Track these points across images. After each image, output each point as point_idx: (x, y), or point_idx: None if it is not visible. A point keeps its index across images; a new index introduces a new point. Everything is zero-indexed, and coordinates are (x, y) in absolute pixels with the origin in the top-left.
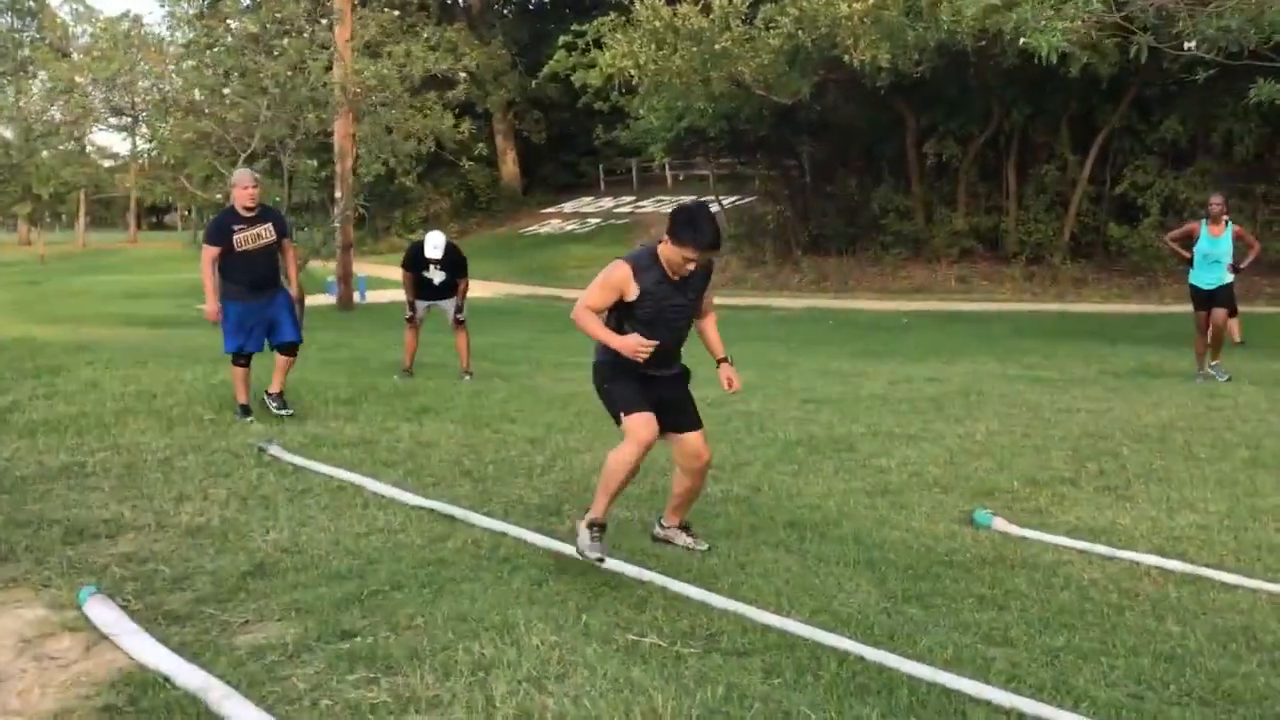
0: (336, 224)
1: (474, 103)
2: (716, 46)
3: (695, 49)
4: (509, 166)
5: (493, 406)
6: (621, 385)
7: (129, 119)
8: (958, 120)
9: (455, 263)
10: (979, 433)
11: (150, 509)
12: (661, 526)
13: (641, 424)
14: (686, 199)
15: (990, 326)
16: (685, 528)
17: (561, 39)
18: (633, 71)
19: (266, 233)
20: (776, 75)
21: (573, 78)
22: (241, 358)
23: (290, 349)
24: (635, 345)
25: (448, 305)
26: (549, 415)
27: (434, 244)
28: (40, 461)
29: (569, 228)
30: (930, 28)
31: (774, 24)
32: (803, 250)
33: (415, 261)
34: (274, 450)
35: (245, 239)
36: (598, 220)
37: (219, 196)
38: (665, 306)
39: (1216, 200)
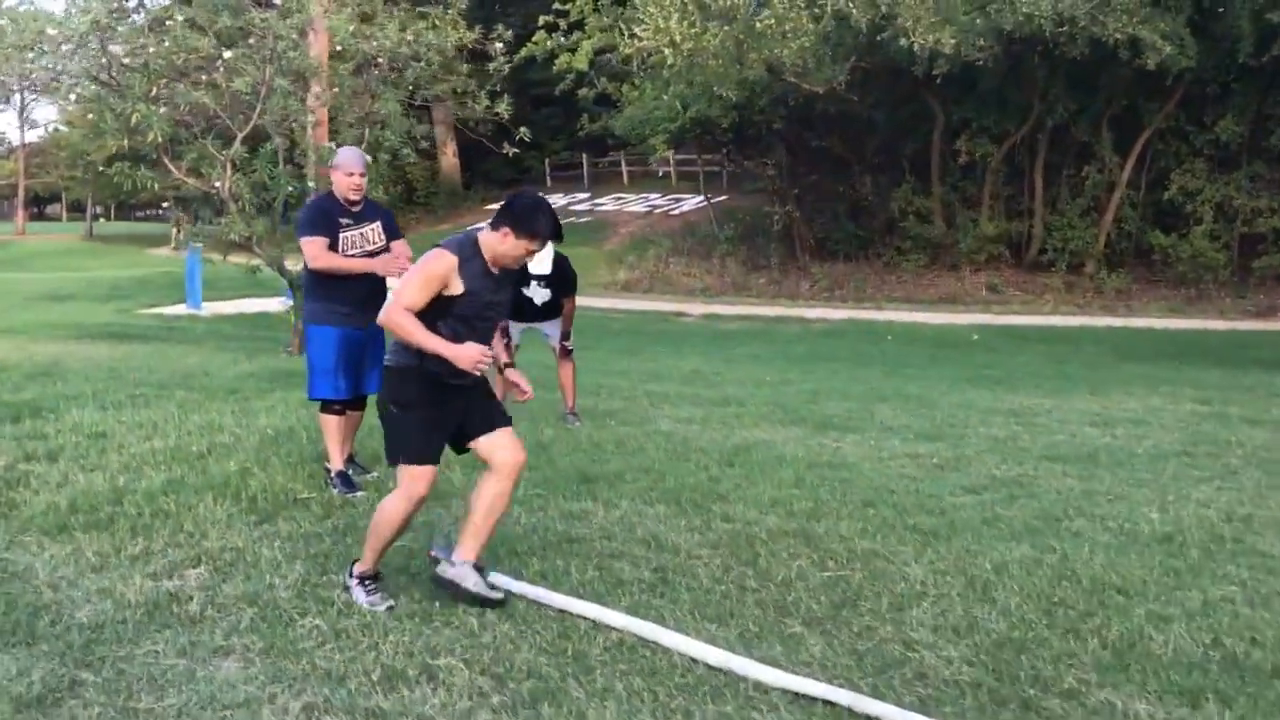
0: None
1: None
2: (757, 25)
3: (727, 28)
4: (449, 159)
5: (668, 470)
6: (417, 419)
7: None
8: (993, 116)
9: (564, 279)
10: None
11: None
12: (451, 562)
13: (422, 478)
14: (654, 196)
15: (1081, 346)
16: (479, 569)
17: (542, 19)
18: (666, 50)
19: (375, 235)
20: (816, 60)
21: (556, 61)
22: (335, 404)
23: (362, 403)
24: (477, 356)
25: (551, 330)
26: (759, 486)
27: (541, 259)
28: (105, 590)
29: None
30: (1004, 10)
31: (817, 2)
32: (810, 255)
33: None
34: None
35: (351, 240)
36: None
37: (217, 184)
38: (485, 304)
39: None
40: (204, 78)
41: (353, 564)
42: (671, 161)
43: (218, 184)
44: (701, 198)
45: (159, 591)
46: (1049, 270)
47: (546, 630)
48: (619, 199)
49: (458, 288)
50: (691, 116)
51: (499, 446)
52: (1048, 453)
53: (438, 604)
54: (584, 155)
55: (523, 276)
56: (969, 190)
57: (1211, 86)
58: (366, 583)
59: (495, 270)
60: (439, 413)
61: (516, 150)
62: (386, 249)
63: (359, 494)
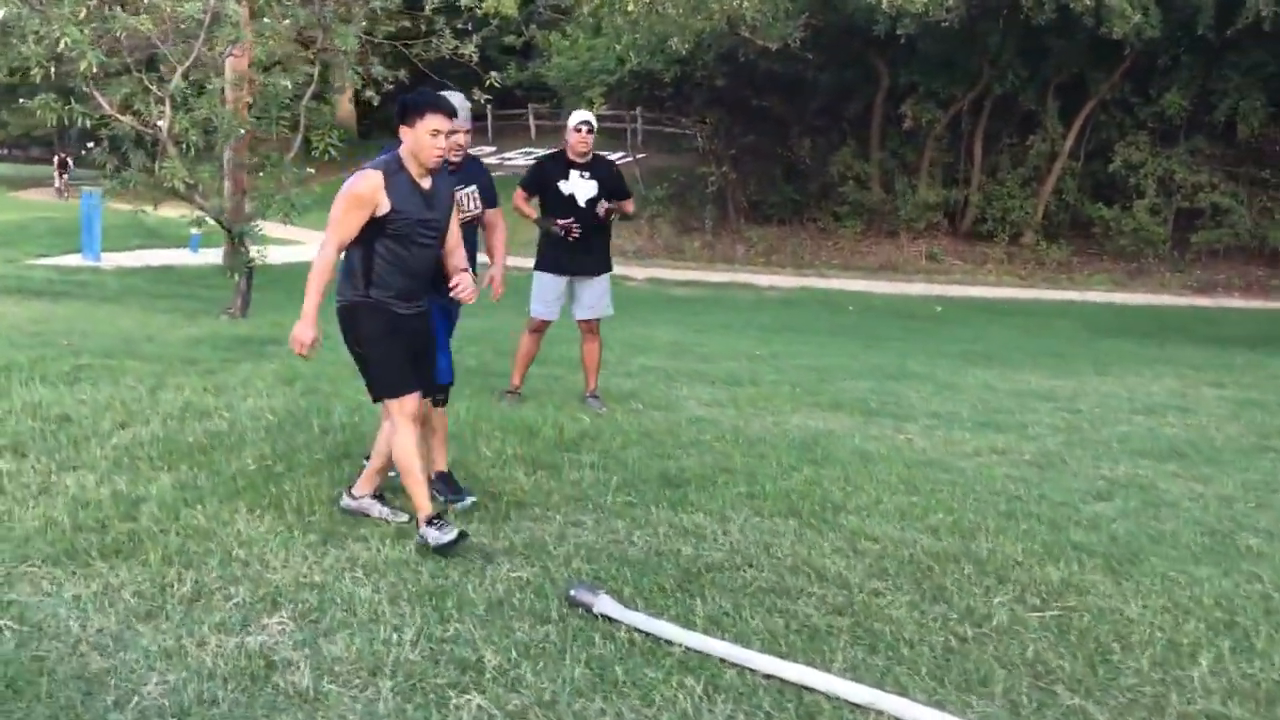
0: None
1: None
2: None
3: None
4: (344, 105)
5: (754, 470)
6: (381, 352)
7: None
8: (941, 80)
9: (612, 171)
10: None
11: None
12: (352, 496)
13: (409, 404)
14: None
15: (1047, 320)
16: (379, 496)
17: None
18: None
19: (470, 200)
20: (774, 15)
21: (483, 5)
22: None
23: (443, 393)
24: (307, 340)
25: (593, 297)
26: (868, 491)
27: (578, 136)
28: (170, 653)
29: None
30: None
31: None
32: (744, 218)
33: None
34: (605, 604)
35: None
36: None
37: (160, 123)
38: (418, 222)
39: None
40: (144, 0)
41: (419, 521)
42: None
43: (160, 123)
44: (624, 154)
45: (244, 653)
46: (989, 240)
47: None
48: (528, 153)
49: (385, 205)
50: (632, 69)
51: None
52: (1129, 446)
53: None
54: (489, 107)
55: (561, 167)
56: (908, 156)
57: (1163, 58)
58: (434, 522)
59: (425, 185)
60: (399, 342)
61: (489, 98)
62: (478, 219)
63: (469, 500)
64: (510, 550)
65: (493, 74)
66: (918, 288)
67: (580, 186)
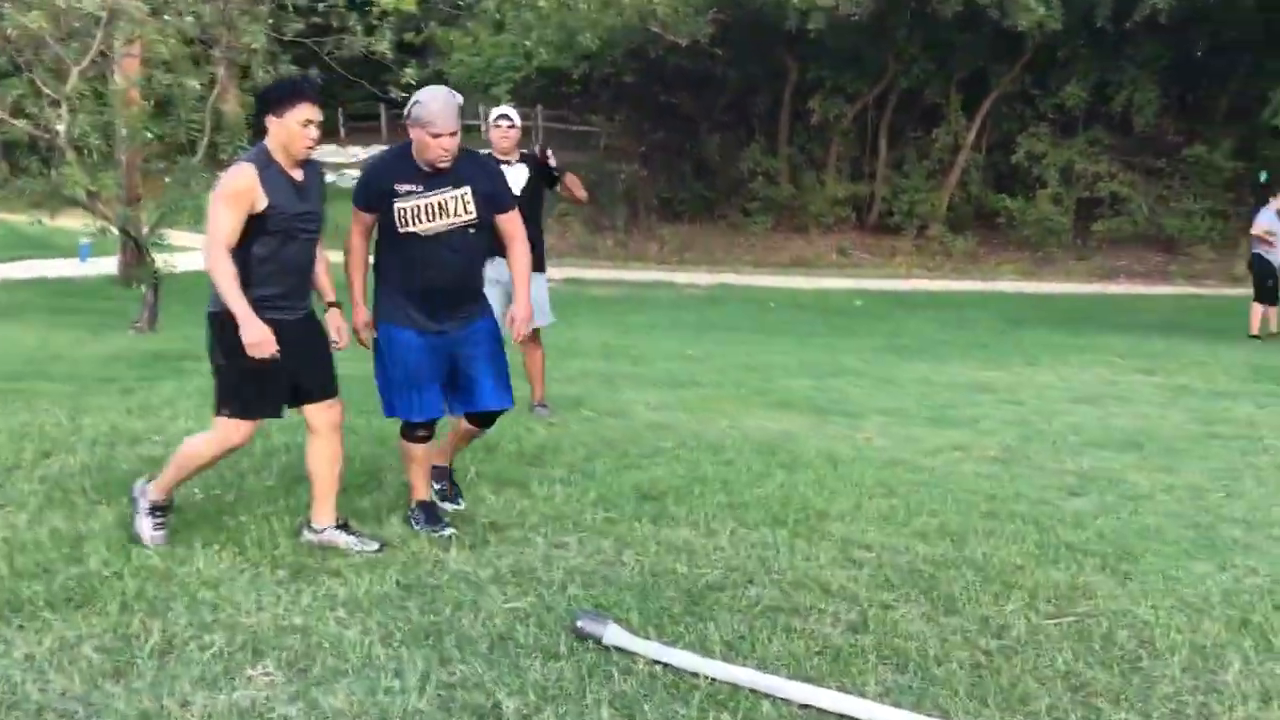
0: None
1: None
2: None
3: None
4: (231, 105)
5: (726, 479)
6: (247, 368)
7: None
8: (848, 75)
9: (547, 164)
10: None
11: None
12: (313, 530)
13: (240, 430)
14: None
15: (964, 311)
16: (344, 525)
17: None
18: None
19: (461, 204)
20: (683, 10)
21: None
22: (419, 428)
23: (489, 420)
24: (263, 344)
25: (538, 294)
26: (848, 497)
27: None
28: (153, 717)
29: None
30: None
31: None
32: (655, 216)
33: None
34: (615, 635)
35: (417, 212)
36: (358, 173)
37: (59, 127)
38: (295, 215)
39: None
40: None
41: (143, 482)
42: (481, 114)
43: (59, 127)
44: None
45: (235, 711)
46: (897, 233)
47: None
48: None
49: (262, 202)
50: (539, 66)
51: (320, 410)
52: (1084, 438)
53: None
54: (382, 107)
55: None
56: (815, 151)
57: (1062, 51)
58: (157, 513)
59: (297, 176)
60: (269, 371)
61: (404, 95)
62: (480, 222)
63: (447, 532)
64: (498, 579)
65: (408, 70)
66: (831, 282)
67: (511, 177)
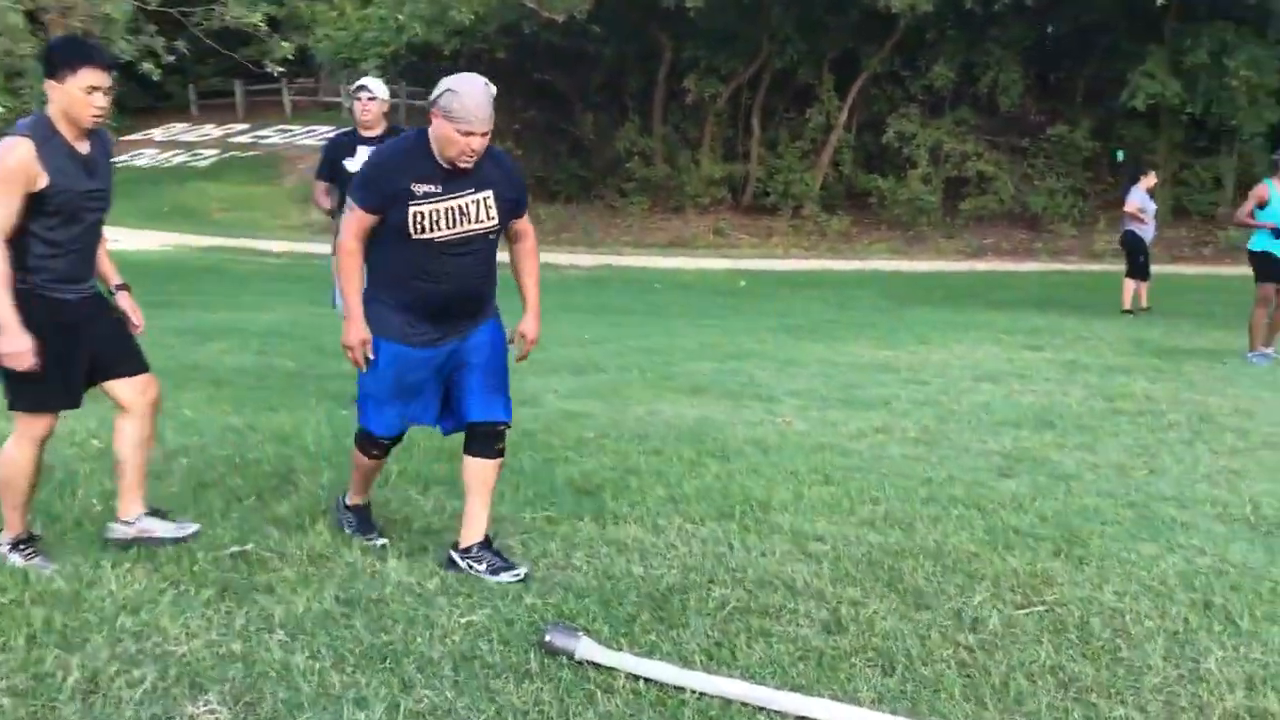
0: None
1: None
2: None
3: None
4: None
5: (660, 470)
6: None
7: None
8: (722, 55)
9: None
10: None
11: None
12: (125, 523)
13: (42, 428)
14: (327, 129)
15: (846, 290)
16: (156, 511)
17: None
18: None
19: (484, 209)
20: None
21: None
22: (381, 443)
23: (495, 442)
24: (18, 350)
25: None
26: (787, 485)
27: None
28: None
29: (178, 160)
30: None
31: None
32: (532, 196)
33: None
34: (588, 649)
35: (436, 217)
36: (214, 152)
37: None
38: (81, 194)
39: None
40: None
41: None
42: (343, 92)
43: None
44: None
45: None
46: (772, 213)
47: None
48: (285, 132)
49: (43, 180)
50: (409, 41)
51: (133, 388)
52: (997, 417)
53: None
54: (238, 83)
55: (350, 144)
56: (691, 131)
57: (931, 32)
58: (21, 547)
59: (83, 150)
60: (62, 345)
61: (281, 70)
62: (500, 229)
63: (380, 541)
64: (446, 589)
65: (284, 43)
66: (711, 262)
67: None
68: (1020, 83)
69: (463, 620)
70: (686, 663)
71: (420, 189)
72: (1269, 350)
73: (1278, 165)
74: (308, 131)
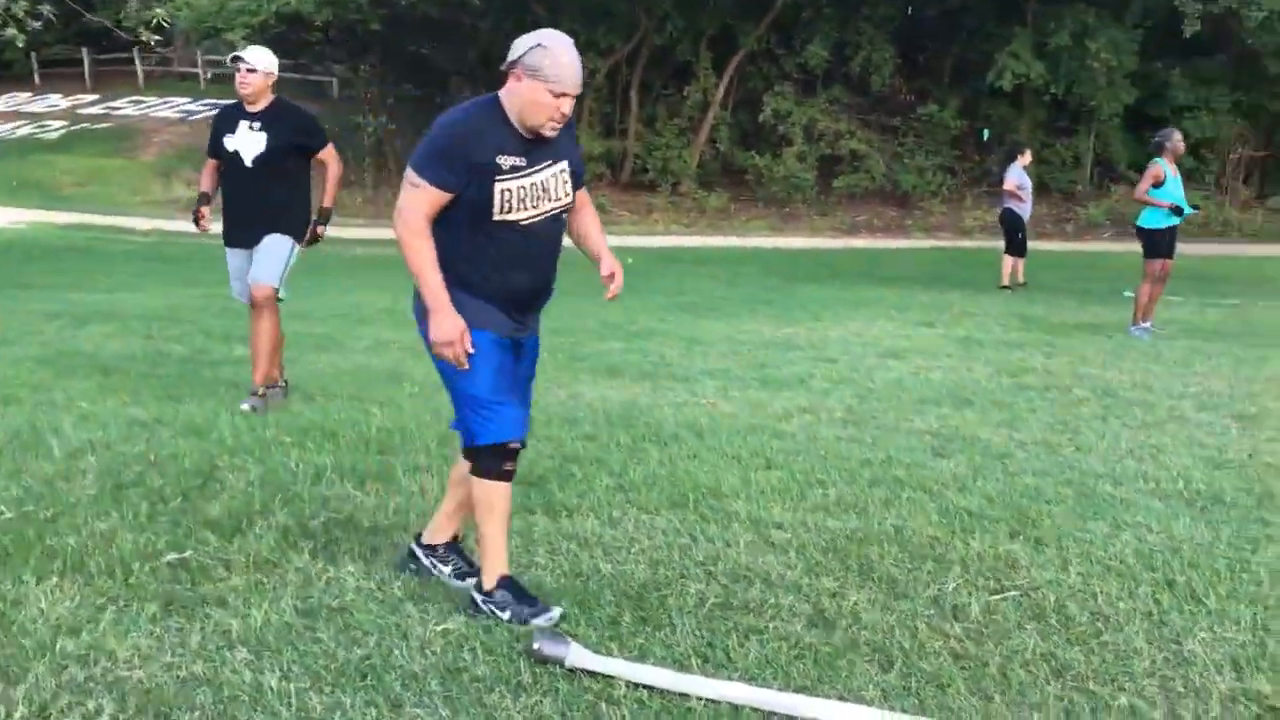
0: None
1: None
2: None
3: None
4: None
5: (599, 457)
6: None
7: None
8: (601, 29)
9: (299, 120)
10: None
11: None
12: None
13: None
14: (182, 100)
15: (732, 267)
16: None
17: None
18: None
19: (561, 185)
20: None
21: None
22: (510, 456)
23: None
24: None
25: (261, 260)
26: (734, 470)
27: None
28: None
29: (22, 131)
30: None
31: None
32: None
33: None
34: (579, 656)
35: (521, 195)
36: (62, 123)
37: None
38: None
39: (1180, 136)
40: None
41: None
42: (200, 62)
43: None
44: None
45: None
46: (652, 190)
47: None
48: (139, 103)
49: None
50: (278, 10)
51: None
52: (914, 395)
53: None
54: (85, 50)
55: (232, 118)
56: None
57: (806, 11)
58: None
59: None
60: None
61: (158, 38)
62: (570, 207)
63: (556, 613)
64: (413, 595)
65: (158, 10)
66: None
67: (247, 141)
68: (890, 62)
69: (438, 629)
70: (682, 666)
71: (506, 162)
72: (1148, 324)
73: (1164, 145)
74: (164, 103)
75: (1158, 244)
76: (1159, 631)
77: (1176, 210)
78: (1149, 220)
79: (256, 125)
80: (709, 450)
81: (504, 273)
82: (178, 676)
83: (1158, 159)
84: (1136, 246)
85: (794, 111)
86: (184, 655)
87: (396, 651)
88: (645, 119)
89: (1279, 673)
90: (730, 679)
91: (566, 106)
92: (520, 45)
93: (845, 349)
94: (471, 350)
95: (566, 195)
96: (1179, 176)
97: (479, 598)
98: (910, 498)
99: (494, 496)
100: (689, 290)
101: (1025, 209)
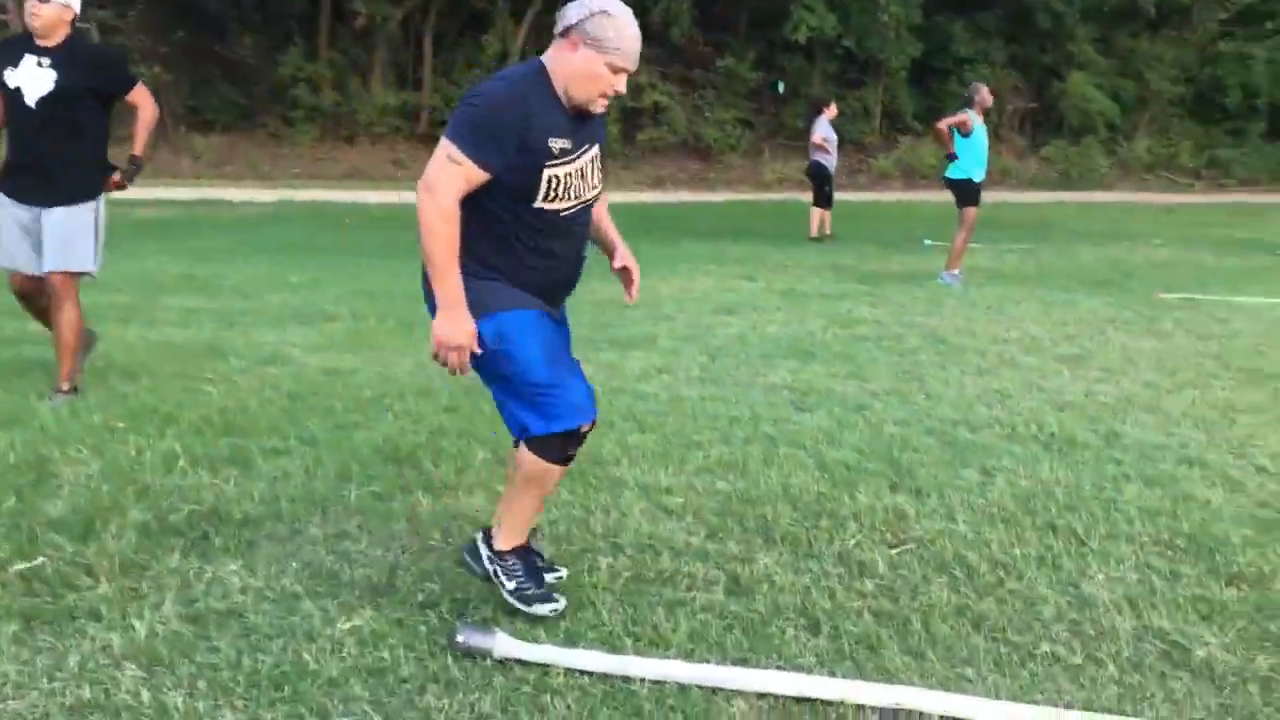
0: None
1: None
2: None
3: None
4: None
5: (469, 431)
6: None
7: None
8: None
9: (98, 57)
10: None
11: None
12: None
13: None
14: None
15: None
16: None
17: None
18: None
19: (595, 171)
20: None
21: None
22: (580, 440)
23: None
24: None
25: (51, 237)
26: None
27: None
28: None
29: None
30: None
31: None
32: (185, 126)
33: None
34: (507, 645)
35: (566, 183)
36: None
37: None
38: None
39: (987, 90)
40: None
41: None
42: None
43: None
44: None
45: None
46: None
47: None
48: None
49: None
50: None
51: None
52: (759, 350)
53: None
54: None
55: (17, 50)
56: (360, 57)
57: None
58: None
59: None
60: None
61: None
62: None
63: (559, 605)
64: (310, 591)
65: None
66: (398, 195)
67: (32, 79)
68: (689, 14)
69: (346, 626)
70: (614, 647)
71: (556, 145)
72: (957, 271)
73: (972, 99)
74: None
75: (975, 193)
76: (1056, 576)
77: (951, 157)
78: (963, 171)
79: (46, 62)
80: None
81: (535, 266)
82: (64, 704)
83: (968, 109)
84: (927, 195)
85: None
86: (65, 679)
87: (307, 655)
88: (442, 69)
89: (1172, 608)
90: (667, 657)
91: (621, 84)
92: (577, 9)
93: (680, 306)
94: (479, 351)
95: (599, 183)
96: (985, 126)
97: (486, 553)
98: (787, 454)
99: (549, 477)
100: None
101: (831, 161)
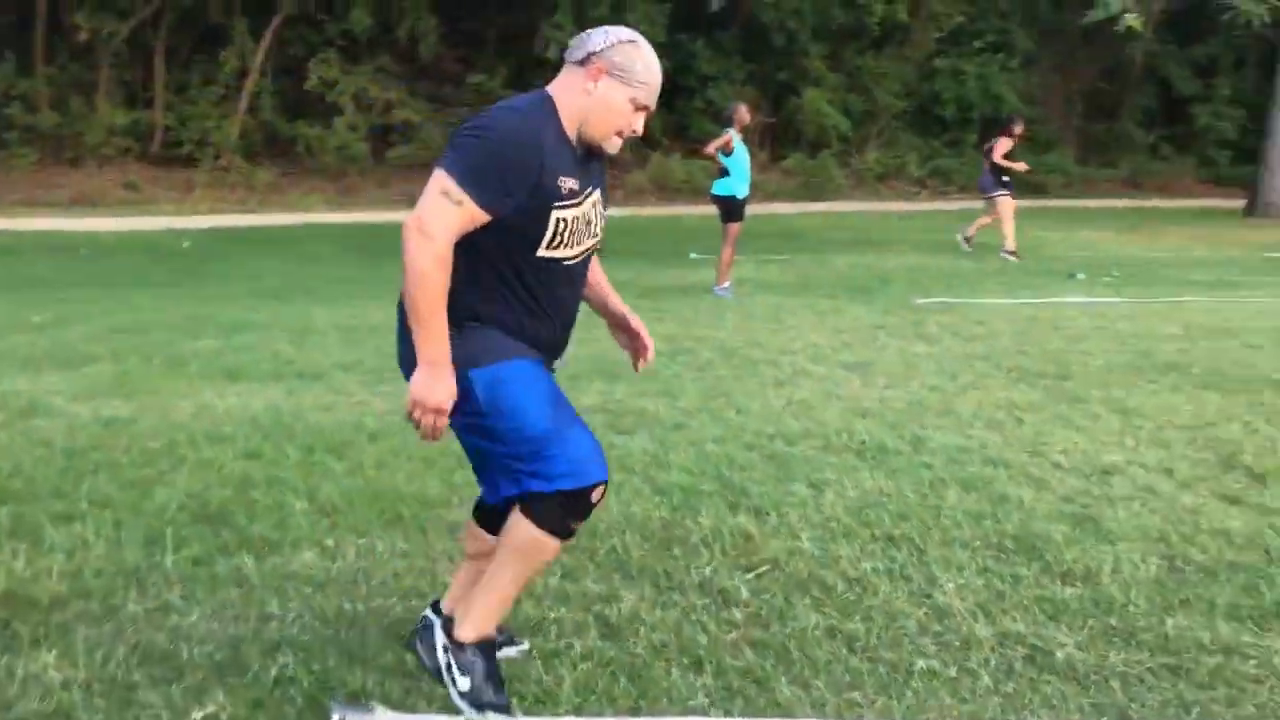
0: None
1: None
2: None
3: None
4: None
5: (272, 475)
6: None
7: None
8: None
9: None
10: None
11: None
12: None
13: None
14: None
15: (312, 248)
16: None
17: None
18: None
19: (599, 213)
20: None
21: None
22: (589, 509)
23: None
24: None
25: None
26: (423, 475)
27: None
28: None
29: None
30: None
31: None
32: None
33: None
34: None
35: (573, 228)
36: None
37: None
38: None
39: (745, 108)
40: None
41: None
42: None
43: None
44: None
45: None
46: (190, 164)
47: None
48: None
49: None
50: None
51: None
52: (562, 371)
53: None
54: None
55: None
56: (82, 74)
57: None
58: None
59: None
60: None
61: None
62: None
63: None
64: (148, 680)
65: None
66: (133, 222)
67: None
68: (436, 30)
69: (198, 716)
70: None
71: (565, 185)
72: (728, 284)
73: (732, 118)
74: None
75: (740, 208)
76: (909, 588)
77: (723, 173)
78: (727, 188)
79: None
80: (392, 455)
81: (526, 323)
82: None
83: (728, 128)
84: (684, 209)
85: (341, 80)
86: None
87: None
88: (175, 86)
89: (1022, 612)
90: (560, 714)
91: (639, 124)
92: (601, 36)
93: None
94: (448, 421)
95: (601, 230)
96: (745, 145)
97: (442, 641)
98: (622, 481)
99: (540, 554)
100: (268, 273)
101: None
